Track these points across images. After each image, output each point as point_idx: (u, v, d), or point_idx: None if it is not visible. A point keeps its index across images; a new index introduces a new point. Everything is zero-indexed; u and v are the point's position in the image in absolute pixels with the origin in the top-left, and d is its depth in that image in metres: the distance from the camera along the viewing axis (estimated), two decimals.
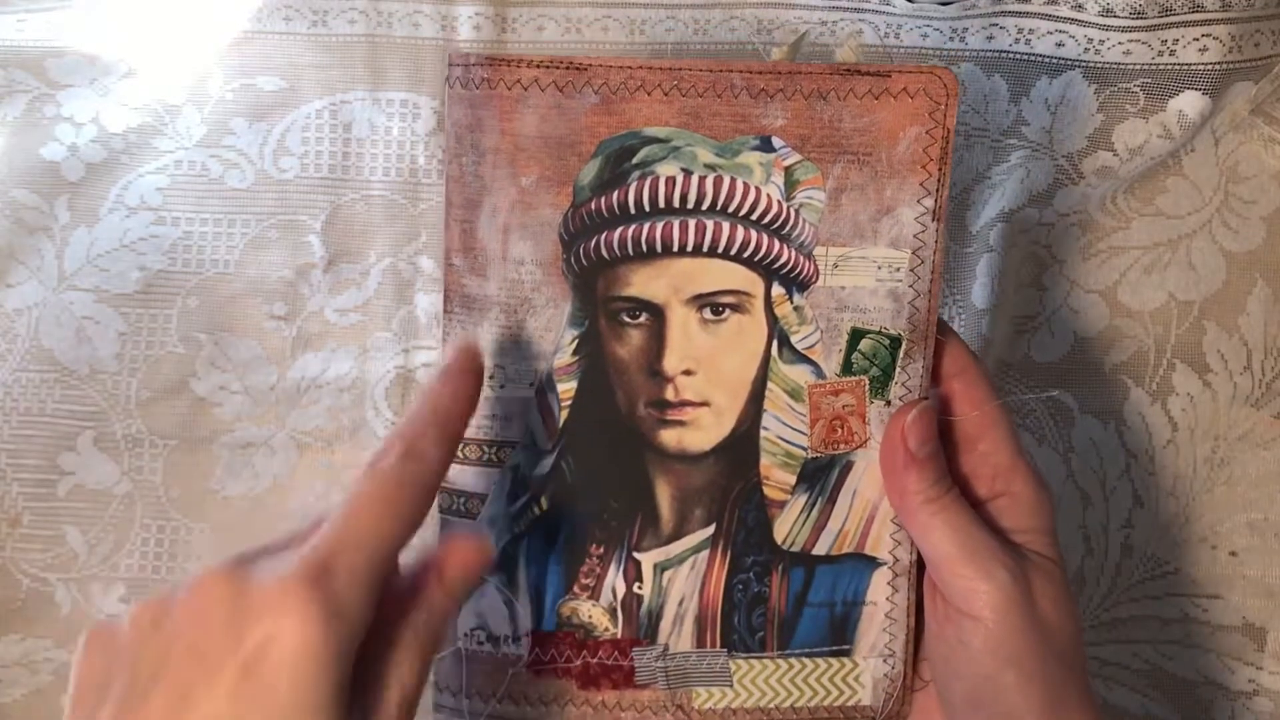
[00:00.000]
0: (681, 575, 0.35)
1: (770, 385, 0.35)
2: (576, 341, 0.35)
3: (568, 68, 0.33)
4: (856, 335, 0.35)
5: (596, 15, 0.50)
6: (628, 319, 0.34)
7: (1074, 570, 0.49)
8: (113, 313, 0.50)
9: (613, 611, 0.35)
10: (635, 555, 0.35)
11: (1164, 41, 0.47)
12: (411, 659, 0.28)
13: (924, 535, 0.34)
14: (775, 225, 0.34)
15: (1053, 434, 0.49)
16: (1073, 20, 0.48)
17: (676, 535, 0.35)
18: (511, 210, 0.34)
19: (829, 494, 0.35)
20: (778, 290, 0.34)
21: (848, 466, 0.35)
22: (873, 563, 0.36)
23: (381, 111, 0.50)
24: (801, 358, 0.35)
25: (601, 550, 0.35)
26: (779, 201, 0.34)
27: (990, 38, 0.49)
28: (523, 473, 0.35)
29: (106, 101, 0.51)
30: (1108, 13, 0.48)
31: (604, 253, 0.34)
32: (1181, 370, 0.49)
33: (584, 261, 0.34)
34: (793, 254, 0.34)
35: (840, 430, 0.35)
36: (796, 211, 0.34)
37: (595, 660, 0.35)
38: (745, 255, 0.34)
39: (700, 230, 0.33)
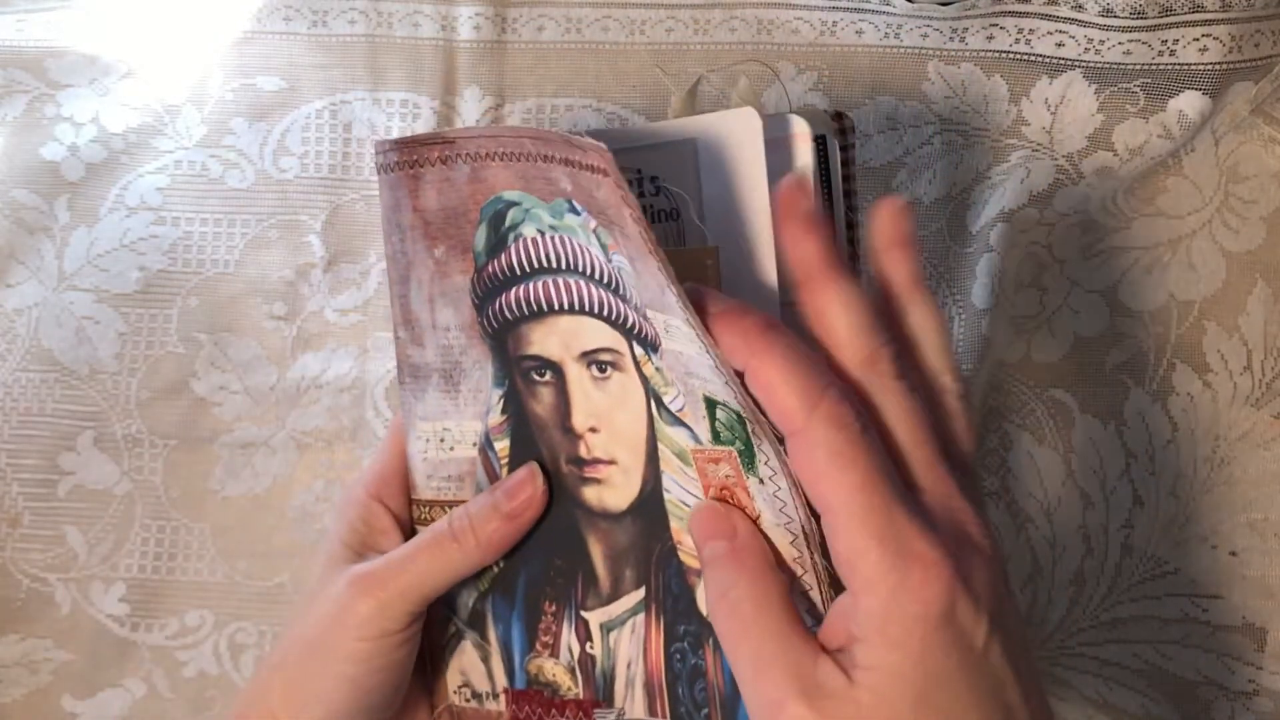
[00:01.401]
0: (625, 637, 0.34)
1: (660, 446, 0.32)
2: (503, 400, 0.35)
3: (442, 143, 0.33)
4: (710, 404, 0.30)
5: (596, 15, 0.50)
6: (537, 377, 0.34)
7: (1074, 570, 0.49)
8: (113, 313, 0.50)
9: (572, 670, 0.35)
10: (582, 614, 0.35)
11: (1164, 41, 0.47)
12: None
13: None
14: (610, 285, 0.32)
15: (1053, 434, 0.49)
16: (1073, 20, 0.48)
17: (614, 595, 0.34)
18: (432, 281, 0.35)
19: None
20: (639, 350, 0.32)
21: None
22: None
23: (381, 111, 0.50)
24: (677, 420, 0.32)
25: (554, 608, 0.35)
26: (604, 263, 0.32)
27: (990, 38, 0.49)
28: None
29: (106, 101, 0.51)
30: (1108, 13, 0.48)
31: (505, 314, 0.34)
32: (1181, 370, 0.49)
33: (494, 323, 0.35)
34: (635, 315, 0.31)
35: (731, 500, 0.31)
36: (618, 273, 0.31)
37: None
38: (602, 314, 0.32)
39: (567, 288, 0.33)
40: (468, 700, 0.36)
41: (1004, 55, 0.49)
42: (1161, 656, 0.48)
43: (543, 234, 0.33)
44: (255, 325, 0.50)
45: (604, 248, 0.31)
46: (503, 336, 0.35)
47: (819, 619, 0.29)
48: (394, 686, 0.34)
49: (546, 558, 0.35)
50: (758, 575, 0.28)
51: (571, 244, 0.32)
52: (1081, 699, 0.48)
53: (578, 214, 0.31)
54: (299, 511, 0.49)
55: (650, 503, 0.33)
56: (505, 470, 0.35)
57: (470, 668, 0.36)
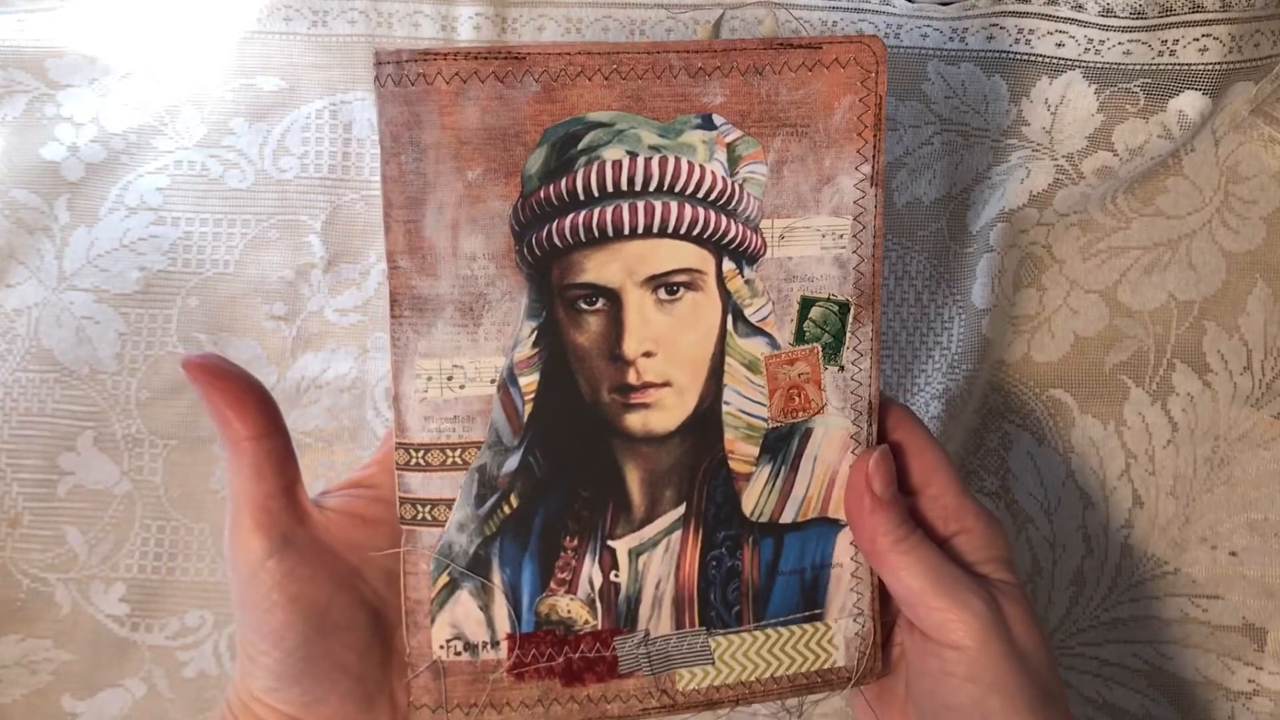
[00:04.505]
0: (656, 558, 0.36)
1: (728, 360, 0.35)
2: (535, 333, 0.35)
3: (506, 57, 0.33)
4: (807, 304, 0.36)
5: (596, 15, 0.50)
6: (585, 306, 0.35)
7: (1074, 570, 0.49)
8: (113, 313, 0.50)
9: (591, 603, 0.36)
10: (610, 543, 0.36)
11: (1164, 41, 0.47)
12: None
13: (895, 575, 0.34)
14: (721, 201, 0.34)
15: (1053, 434, 0.49)
16: (1073, 20, 0.48)
17: (649, 518, 0.36)
18: (459, 205, 0.34)
19: (791, 462, 0.36)
20: (728, 265, 0.35)
21: (807, 434, 0.36)
22: (836, 525, 0.36)
23: None
24: (756, 330, 0.35)
25: (575, 542, 0.35)
26: (723, 178, 0.34)
27: (990, 38, 0.49)
28: (489, 472, 0.35)
29: (106, 101, 0.51)
30: (1108, 13, 0.48)
31: (556, 241, 0.34)
32: (1181, 370, 0.49)
33: (537, 251, 0.34)
34: (740, 228, 0.35)
35: (798, 398, 0.36)
36: (741, 186, 0.35)
37: (578, 655, 0.36)
38: (695, 233, 0.34)
39: (649, 211, 0.34)
40: (458, 654, 0.35)
41: (1004, 55, 0.49)
42: (1161, 656, 0.48)
43: (634, 156, 0.34)
44: (255, 325, 0.50)
45: (735, 160, 0.34)
46: (546, 265, 0.34)
47: None
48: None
49: (571, 492, 0.35)
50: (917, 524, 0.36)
51: (675, 164, 0.34)
52: (1081, 699, 0.48)
53: (710, 129, 0.34)
54: None
55: (704, 418, 0.35)
56: (529, 407, 0.35)
57: (464, 618, 0.35)
